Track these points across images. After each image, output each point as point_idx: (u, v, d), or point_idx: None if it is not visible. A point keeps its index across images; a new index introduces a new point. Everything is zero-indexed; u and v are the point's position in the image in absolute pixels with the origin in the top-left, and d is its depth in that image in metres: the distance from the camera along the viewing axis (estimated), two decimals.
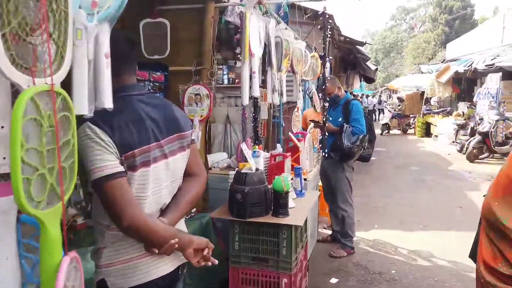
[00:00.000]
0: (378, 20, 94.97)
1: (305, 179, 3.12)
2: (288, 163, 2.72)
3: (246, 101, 2.53)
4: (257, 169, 2.24)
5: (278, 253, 2.27)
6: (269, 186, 2.33)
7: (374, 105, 23.81)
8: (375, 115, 23.27)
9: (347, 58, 10.89)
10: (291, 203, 2.37)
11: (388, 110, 16.06)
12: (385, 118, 15.94)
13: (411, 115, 15.59)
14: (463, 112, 12.62)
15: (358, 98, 24.65)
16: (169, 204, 1.34)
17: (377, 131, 16.48)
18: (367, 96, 27.19)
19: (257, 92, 2.68)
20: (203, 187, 1.47)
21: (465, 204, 5.72)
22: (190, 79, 2.89)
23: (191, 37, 2.92)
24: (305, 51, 4.56)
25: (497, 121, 8.80)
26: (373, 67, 11.73)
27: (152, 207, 1.28)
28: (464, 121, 11.30)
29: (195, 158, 1.43)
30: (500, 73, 9.48)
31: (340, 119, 3.89)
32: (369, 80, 13.01)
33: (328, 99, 3.97)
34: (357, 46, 9.18)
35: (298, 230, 2.35)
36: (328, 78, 4.10)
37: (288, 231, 2.26)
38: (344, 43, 8.53)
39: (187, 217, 2.52)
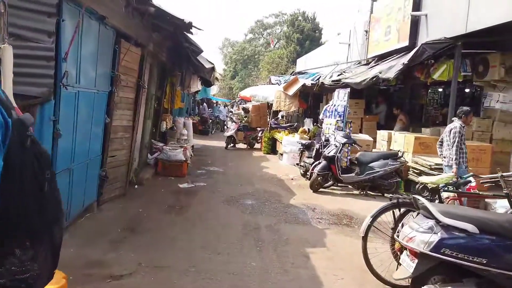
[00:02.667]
0: (238, 31, 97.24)
1: None
2: None
3: None
4: None
5: None
6: None
7: (227, 115, 22.22)
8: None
9: (180, 50, 8.30)
10: None
11: (234, 121, 14.17)
12: (230, 130, 13.98)
13: (258, 128, 14.04)
14: (308, 129, 11.53)
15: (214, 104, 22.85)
16: None
17: (222, 144, 14.42)
18: (225, 106, 25.59)
19: None
20: None
21: (305, 281, 3.64)
22: None
23: None
24: None
25: (343, 144, 7.47)
26: (208, 65, 9.28)
27: None
28: (310, 140, 10.01)
29: None
30: (348, 89, 8.30)
31: None
32: (207, 83, 10.64)
33: None
34: (185, 33, 6.61)
35: None
36: None
37: None
38: (160, 21, 5.85)
39: None
